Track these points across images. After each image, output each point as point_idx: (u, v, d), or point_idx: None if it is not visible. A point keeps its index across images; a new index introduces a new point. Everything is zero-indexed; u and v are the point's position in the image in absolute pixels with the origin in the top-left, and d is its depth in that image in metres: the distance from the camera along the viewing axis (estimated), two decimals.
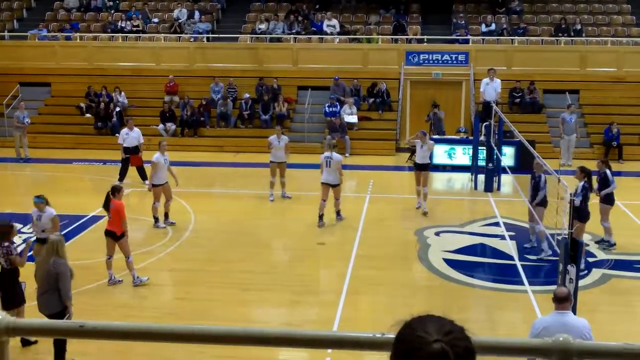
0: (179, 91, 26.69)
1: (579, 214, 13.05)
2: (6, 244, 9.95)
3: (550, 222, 13.06)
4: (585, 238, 13.94)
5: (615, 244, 14.47)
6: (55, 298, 9.34)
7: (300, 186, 19.43)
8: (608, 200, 14.29)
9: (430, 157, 17.76)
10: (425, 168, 17.16)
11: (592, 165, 14.55)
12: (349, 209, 17.49)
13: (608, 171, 14.23)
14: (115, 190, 12.59)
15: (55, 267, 9.26)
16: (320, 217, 16.11)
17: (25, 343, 9.90)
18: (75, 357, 9.67)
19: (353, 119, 25.12)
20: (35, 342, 10.01)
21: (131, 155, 19.58)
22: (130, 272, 12.61)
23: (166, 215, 16.16)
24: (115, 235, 12.45)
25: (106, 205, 12.59)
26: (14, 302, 9.77)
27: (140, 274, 12.85)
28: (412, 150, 21.11)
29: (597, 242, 14.71)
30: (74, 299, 11.55)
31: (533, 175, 14.27)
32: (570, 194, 9.99)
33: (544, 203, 14.05)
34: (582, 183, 13.29)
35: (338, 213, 16.57)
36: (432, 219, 16.78)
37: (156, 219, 16.00)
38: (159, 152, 15.98)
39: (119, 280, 12.67)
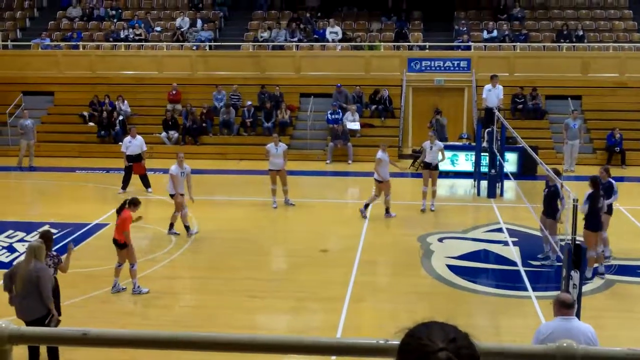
0: (182, 99, 26.73)
1: (589, 223, 12.98)
2: (54, 252, 10.07)
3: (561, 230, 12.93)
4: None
5: (610, 257, 14.12)
6: (37, 304, 9.25)
7: (304, 193, 19.43)
8: (608, 210, 14.01)
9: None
10: (435, 168, 17.88)
11: (594, 171, 14.46)
12: (352, 216, 17.49)
13: (613, 181, 13.98)
14: (132, 203, 12.52)
15: (36, 271, 9.21)
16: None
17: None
18: None
19: (355, 125, 25.14)
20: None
21: (134, 164, 19.60)
22: (132, 279, 12.59)
23: (171, 225, 16.05)
24: (119, 244, 12.46)
25: (118, 212, 12.56)
26: (59, 309, 9.81)
27: (144, 281, 12.84)
28: (415, 157, 21.15)
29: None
30: (78, 306, 11.52)
31: (547, 184, 14.03)
32: (574, 200, 9.95)
33: (555, 215, 13.61)
34: (589, 192, 13.13)
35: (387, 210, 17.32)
36: (435, 225, 16.78)
37: (187, 228, 15.88)
38: (176, 164, 15.84)
39: (123, 288, 12.66)
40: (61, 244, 15.22)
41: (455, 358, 1.80)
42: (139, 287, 12.55)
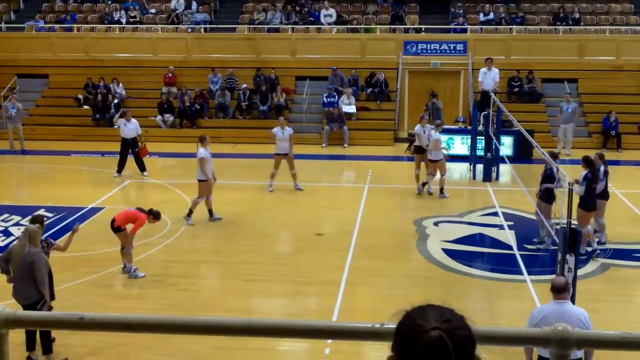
0: (177, 82, 26.63)
1: (584, 203, 13.08)
2: (43, 237, 9.99)
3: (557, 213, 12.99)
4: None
5: (605, 243, 14.14)
6: (32, 288, 9.27)
7: (299, 177, 19.42)
8: (604, 195, 14.05)
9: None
10: (425, 151, 17.82)
11: (590, 154, 14.46)
12: (348, 200, 17.51)
13: (602, 168, 13.94)
14: (154, 215, 12.40)
15: (30, 256, 9.23)
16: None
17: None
18: (68, 358, 9.65)
19: (351, 109, 25.10)
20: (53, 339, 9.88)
21: (139, 149, 19.47)
22: (125, 261, 12.57)
23: (210, 212, 15.75)
24: (115, 227, 12.37)
25: (140, 209, 12.46)
26: (52, 294, 9.80)
27: (140, 265, 12.86)
28: (411, 141, 21.13)
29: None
30: (73, 290, 11.54)
31: (545, 167, 14.05)
32: (569, 183, 9.97)
33: (550, 198, 13.73)
34: (585, 172, 13.22)
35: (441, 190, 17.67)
36: (430, 209, 16.80)
37: (210, 212, 15.70)
38: (202, 146, 15.38)
39: (141, 275, 12.62)
40: (56, 228, 15.23)
41: (447, 337, 1.81)
42: (135, 270, 12.55)
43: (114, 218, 12.43)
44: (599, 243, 13.94)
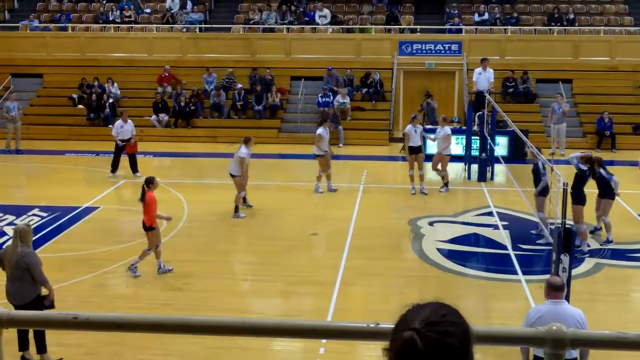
0: (172, 82, 26.59)
1: (574, 197, 13.29)
2: None
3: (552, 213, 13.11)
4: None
5: (612, 242, 14.31)
6: (26, 288, 9.21)
7: (294, 176, 19.43)
8: (611, 196, 14.29)
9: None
10: (419, 150, 17.95)
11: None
12: (343, 199, 17.51)
13: (602, 170, 14.18)
14: (149, 182, 12.60)
15: (24, 257, 9.17)
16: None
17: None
18: (63, 358, 9.63)
19: (345, 99, 25.06)
20: None
21: (126, 144, 19.44)
22: (138, 259, 12.62)
23: (244, 199, 16.44)
24: (144, 226, 12.47)
25: (142, 198, 12.55)
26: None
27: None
28: None
29: (591, 232, 14.71)
30: (67, 290, 11.51)
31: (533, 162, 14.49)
32: (564, 183, 10.00)
33: (544, 192, 14.11)
34: (585, 167, 13.59)
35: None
36: (425, 209, 16.81)
37: (236, 208, 16.15)
38: (246, 147, 15.95)
39: (169, 269, 12.67)
40: (51, 227, 15.21)
41: (419, 339, 1.79)
42: (135, 267, 12.57)
43: (143, 221, 12.59)
44: (606, 242, 14.23)
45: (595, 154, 15.63)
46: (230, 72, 26.44)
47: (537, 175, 14.29)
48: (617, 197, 14.58)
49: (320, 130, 17.71)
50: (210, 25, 29.09)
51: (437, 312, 1.85)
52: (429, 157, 18.86)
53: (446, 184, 18.24)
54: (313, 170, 18.48)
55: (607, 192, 14.13)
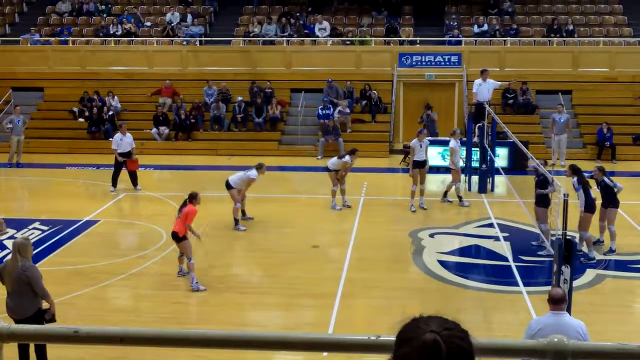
0: (172, 95, 26.63)
1: (585, 205, 13.49)
2: None
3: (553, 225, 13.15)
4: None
5: (615, 250, 14.33)
6: (27, 302, 9.18)
7: (295, 189, 19.44)
8: (615, 204, 14.35)
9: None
10: (424, 165, 17.83)
11: (585, 165, 14.63)
12: (343, 211, 17.50)
13: (606, 179, 14.25)
14: (192, 197, 12.70)
15: (25, 271, 9.14)
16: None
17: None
18: None
19: (345, 109, 25.12)
20: None
21: (127, 160, 19.43)
22: (190, 273, 12.60)
23: (243, 212, 16.50)
24: (177, 236, 12.47)
25: (182, 208, 12.62)
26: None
27: (136, 278, 12.83)
28: (406, 152, 21.15)
29: (594, 243, 14.66)
30: (68, 304, 11.48)
31: (536, 173, 14.48)
32: (564, 194, 10.00)
33: (546, 203, 14.11)
34: (575, 179, 13.71)
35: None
36: (426, 221, 16.80)
37: (236, 221, 16.14)
38: (258, 173, 16.06)
39: (203, 288, 12.55)
40: (52, 241, 15.19)
41: (442, 342, 1.83)
42: (197, 282, 12.50)
43: (173, 231, 12.60)
44: (609, 251, 14.28)
45: (596, 164, 15.71)
46: (223, 86, 26.44)
47: (543, 187, 14.12)
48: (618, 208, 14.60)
49: (347, 158, 17.68)
50: (210, 38, 29.18)
51: (448, 322, 1.93)
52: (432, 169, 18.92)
53: (459, 197, 18.11)
54: (313, 183, 18.49)
55: (610, 201, 14.19)
